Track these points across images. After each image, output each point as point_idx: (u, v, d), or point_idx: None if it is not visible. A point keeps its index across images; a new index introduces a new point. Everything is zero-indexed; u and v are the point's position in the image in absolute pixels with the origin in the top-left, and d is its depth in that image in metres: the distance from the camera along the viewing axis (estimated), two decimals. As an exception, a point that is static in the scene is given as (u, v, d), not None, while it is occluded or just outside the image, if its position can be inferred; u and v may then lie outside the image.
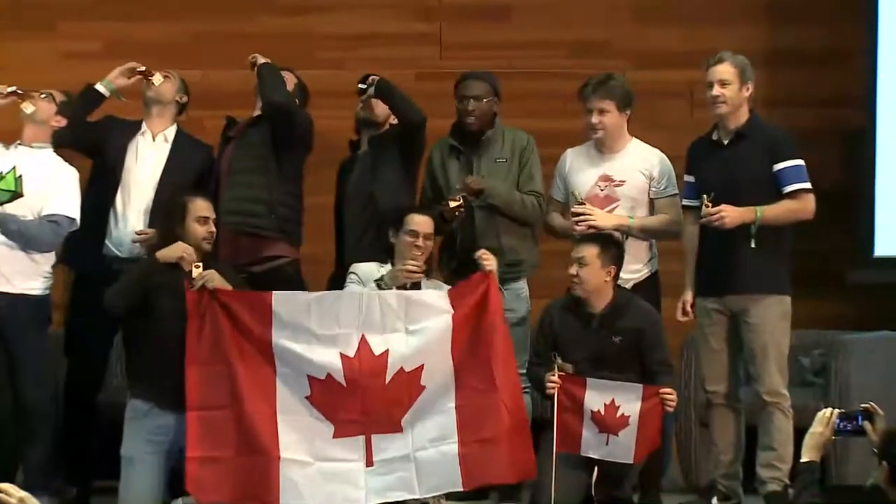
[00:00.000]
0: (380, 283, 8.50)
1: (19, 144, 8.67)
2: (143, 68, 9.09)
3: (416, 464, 8.23)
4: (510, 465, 8.29)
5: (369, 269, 8.57)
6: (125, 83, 9.06)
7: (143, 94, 9.12)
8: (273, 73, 9.01)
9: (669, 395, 8.09)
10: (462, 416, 8.25)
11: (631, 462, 8.10)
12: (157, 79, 9.08)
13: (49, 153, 8.72)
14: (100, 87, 9.04)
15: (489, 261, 8.32)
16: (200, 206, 8.36)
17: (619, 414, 8.02)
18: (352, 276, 8.55)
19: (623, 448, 8.11)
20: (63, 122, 8.86)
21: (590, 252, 8.29)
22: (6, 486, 5.36)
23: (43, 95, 8.82)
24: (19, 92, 8.87)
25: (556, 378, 8.15)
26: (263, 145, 8.90)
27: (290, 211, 8.92)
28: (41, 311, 8.61)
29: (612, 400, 8.04)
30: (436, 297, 8.39)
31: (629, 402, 8.06)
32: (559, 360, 8.26)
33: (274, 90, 8.89)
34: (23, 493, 5.07)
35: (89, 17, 11.01)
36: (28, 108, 8.71)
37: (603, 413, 8.00)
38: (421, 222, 8.62)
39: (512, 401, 8.31)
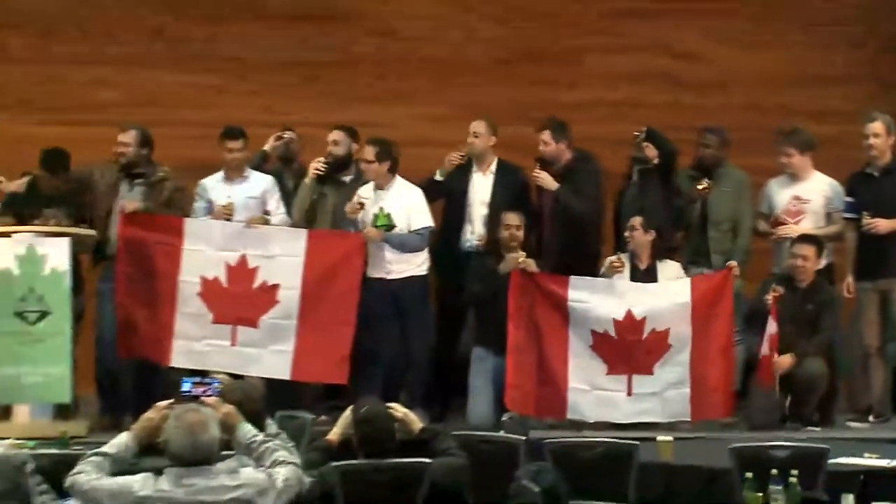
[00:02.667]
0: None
1: (376, 189, 10.25)
2: None
3: (661, 398, 9.94)
4: (721, 406, 9.93)
5: None
6: None
7: None
8: None
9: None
10: (693, 370, 9.93)
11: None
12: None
13: (398, 181, 10.36)
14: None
15: (735, 267, 10.06)
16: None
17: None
18: None
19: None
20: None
21: (811, 251, 10.13)
22: (394, 405, 7.26)
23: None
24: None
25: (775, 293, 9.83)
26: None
27: None
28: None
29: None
30: (679, 283, 10.06)
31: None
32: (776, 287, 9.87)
33: None
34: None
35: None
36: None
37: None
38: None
39: (727, 363, 9.98)
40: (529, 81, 12.55)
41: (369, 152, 10.41)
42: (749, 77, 12.58)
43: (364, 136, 10.78)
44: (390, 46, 12.65)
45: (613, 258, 10.35)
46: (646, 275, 10.33)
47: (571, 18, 12.68)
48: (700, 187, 10.56)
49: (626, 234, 10.39)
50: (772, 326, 9.77)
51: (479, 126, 10.83)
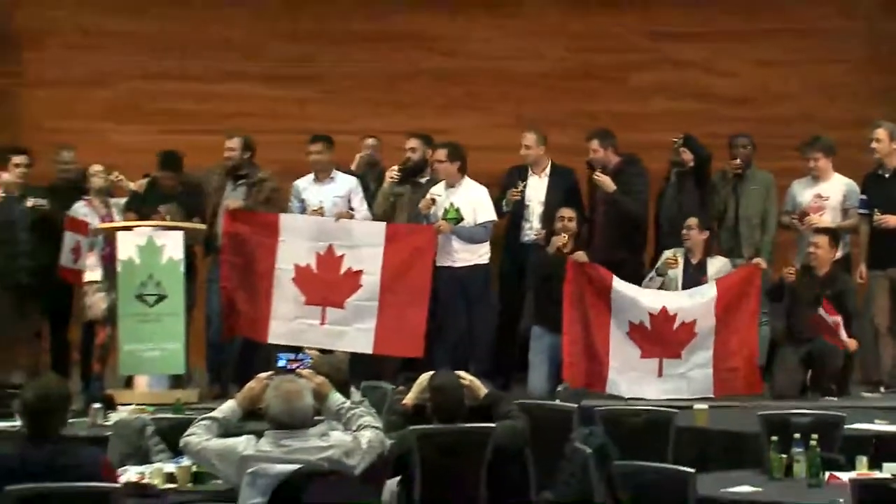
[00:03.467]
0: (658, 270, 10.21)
1: (447, 187, 10.28)
2: None
3: (687, 378, 9.95)
4: (744, 385, 9.90)
5: None
6: None
7: None
8: None
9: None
10: (716, 353, 9.92)
11: None
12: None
13: (466, 180, 10.38)
14: None
15: (762, 262, 10.08)
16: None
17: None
18: None
19: None
20: None
21: (824, 240, 10.09)
22: (461, 373, 7.37)
23: None
24: None
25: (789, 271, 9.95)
26: None
27: None
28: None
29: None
30: (707, 288, 9.97)
31: None
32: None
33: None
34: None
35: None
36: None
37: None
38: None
39: (750, 349, 9.95)
40: (581, 94, 12.54)
41: (441, 154, 10.44)
42: (772, 91, 12.60)
43: (436, 142, 10.81)
44: (455, 63, 12.65)
45: (670, 255, 10.32)
46: (697, 269, 10.32)
47: (618, 40, 12.67)
48: (735, 163, 10.71)
49: (684, 232, 10.35)
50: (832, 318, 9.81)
51: (529, 138, 10.87)
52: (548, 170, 10.87)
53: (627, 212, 10.59)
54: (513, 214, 10.79)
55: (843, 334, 9.83)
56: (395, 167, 10.60)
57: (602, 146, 10.74)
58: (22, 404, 6.04)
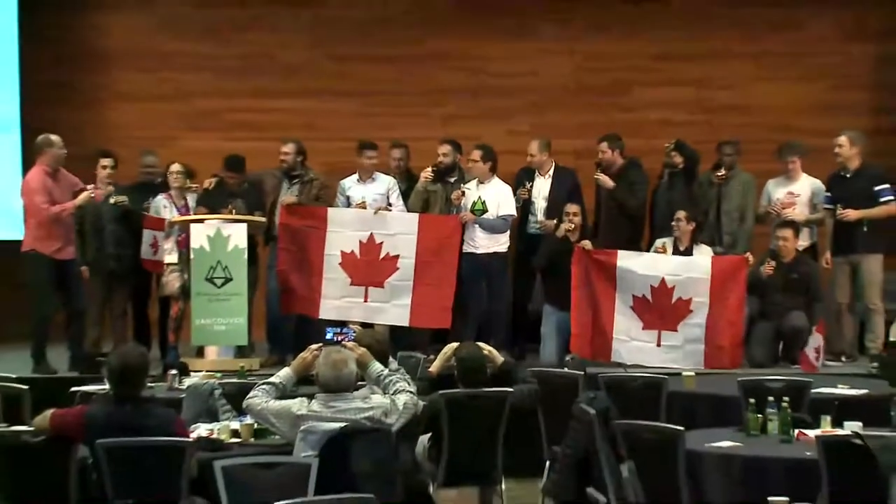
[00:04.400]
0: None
1: (478, 183, 10.20)
2: None
3: (682, 351, 9.77)
4: (729, 361, 9.67)
5: None
6: None
7: None
8: None
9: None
10: (708, 332, 9.73)
11: None
12: None
13: (495, 178, 10.26)
14: None
15: (749, 256, 9.84)
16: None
17: None
18: None
19: None
20: None
21: (789, 233, 10.02)
22: (482, 344, 7.47)
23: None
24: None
25: (769, 266, 9.72)
26: None
27: None
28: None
29: None
30: (703, 261, 9.83)
31: None
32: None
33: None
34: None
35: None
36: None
37: None
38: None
39: (736, 330, 9.76)
40: (588, 106, 12.53)
41: (476, 154, 10.37)
42: (756, 104, 12.57)
43: (465, 148, 10.77)
44: (480, 80, 12.66)
45: (659, 244, 10.21)
46: (685, 255, 10.14)
47: (621, 60, 12.64)
48: (718, 174, 10.62)
49: (673, 223, 10.19)
50: (815, 340, 9.53)
51: (532, 147, 10.78)
52: (552, 171, 10.74)
53: (626, 205, 10.50)
54: (521, 209, 10.71)
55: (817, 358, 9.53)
56: (430, 168, 10.51)
57: (610, 148, 10.64)
58: (108, 370, 6.08)
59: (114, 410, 5.94)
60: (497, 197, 10.39)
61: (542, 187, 10.73)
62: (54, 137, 9.84)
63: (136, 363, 5.97)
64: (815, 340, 9.47)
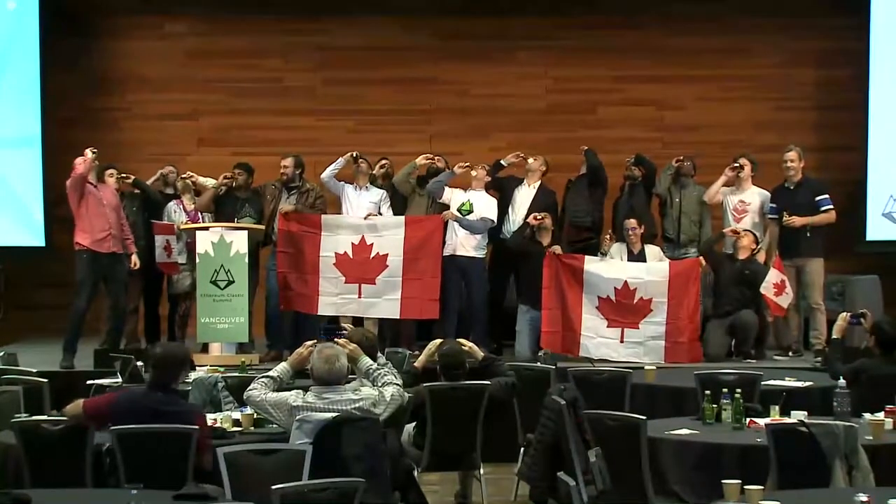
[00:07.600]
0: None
1: (470, 190, 10.16)
2: None
3: (644, 346, 9.72)
4: (687, 356, 9.60)
5: None
6: None
7: None
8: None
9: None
10: (668, 329, 9.71)
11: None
12: None
13: (481, 191, 10.23)
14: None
15: (702, 260, 9.83)
16: None
17: None
18: None
19: None
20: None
21: (749, 238, 10.05)
22: (463, 340, 7.41)
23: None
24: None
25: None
26: None
27: None
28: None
29: None
30: (662, 265, 9.87)
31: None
32: None
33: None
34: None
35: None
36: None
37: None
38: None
39: (693, 325, 9.74)
40: (559, 124, 12.45)
41: (482, 171, 10.46)
42: (710, 122, 12.53)
43: (451, 163, 10.74)
44: (465, 101, 12.60)
45: (606, 237, 10.36)
46: (638, 256, 10.19)
47: (588, 83, 12.60)
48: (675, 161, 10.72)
49: (626, 230, 10.26)
50: (774, 276, 9.56)
51: (535, 163, 10.73)
52: (537, 185, 10.59)
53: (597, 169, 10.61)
54: (501, 214, 10.58)
55: (782, 297, 9.59)
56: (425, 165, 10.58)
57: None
58: (151, 356, 6.12)
59: (145, 395, 5.92)
60: (485, 202, 10.36)
61: (526, 196, 10.56)
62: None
63: (180, 354, 6.06)
64: (772, 276, 9.47)
